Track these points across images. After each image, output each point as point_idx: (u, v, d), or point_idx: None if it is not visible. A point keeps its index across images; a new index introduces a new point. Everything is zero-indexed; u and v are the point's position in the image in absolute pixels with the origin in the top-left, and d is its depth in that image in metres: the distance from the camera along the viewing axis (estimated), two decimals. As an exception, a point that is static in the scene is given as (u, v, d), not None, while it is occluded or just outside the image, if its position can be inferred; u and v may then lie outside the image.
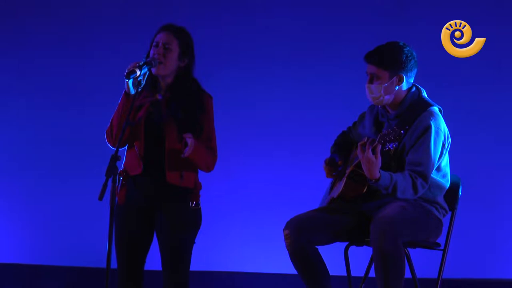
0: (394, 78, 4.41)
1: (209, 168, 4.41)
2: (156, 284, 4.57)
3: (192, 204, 4.36)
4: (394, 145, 4.18)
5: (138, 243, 4.37)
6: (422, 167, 4.30)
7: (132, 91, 4.27)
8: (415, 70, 4.47)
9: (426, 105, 4.44)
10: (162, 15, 6.09)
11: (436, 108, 4.45)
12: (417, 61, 4.48)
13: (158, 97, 4.40)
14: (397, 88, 4.43)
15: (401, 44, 4.45)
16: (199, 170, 4.43)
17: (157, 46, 4.39)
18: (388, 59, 4.39)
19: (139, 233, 4.37)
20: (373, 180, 4.22)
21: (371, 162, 4.19)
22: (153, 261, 4.47)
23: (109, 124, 4.40)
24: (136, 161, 4.34)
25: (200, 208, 4.38)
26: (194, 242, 4.37)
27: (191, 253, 4.36)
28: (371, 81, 4.41)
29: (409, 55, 4.42)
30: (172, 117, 4.32)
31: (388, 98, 4.42)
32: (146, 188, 4.35)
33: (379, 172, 4.21)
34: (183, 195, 4.35)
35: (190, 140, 4.22)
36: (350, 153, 4.67)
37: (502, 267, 5.96)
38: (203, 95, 4.43)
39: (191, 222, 4.37)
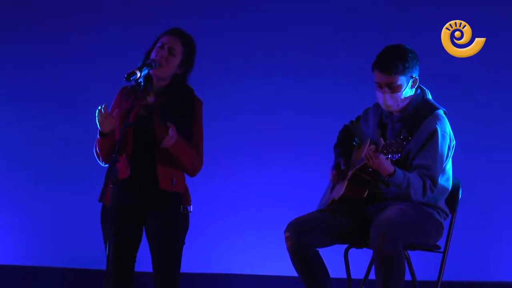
0: (410, 82, 4.41)
1: (195, 171, 4.38)
2: (148, 285, 4.57)
3: (182, 208, 4.36)
4: (397, 157, 4.16)
5: (127, 244, 4.36)
6: (431, 172, 4.30)
7: (106, 130, 4.24)
8: (419, 67, 4.47)
9: (431, 108, 4.43)
10: (160, 18, 6.09)
11: (441, 111, 4.44)
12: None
13: (150, 100, 4.39)
14: (412, 91, 4.42)
15: (404, 46, 4.43)
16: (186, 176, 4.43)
17: (162, 47, 4.36)
18: (402, 65, 4.34)
19: (128, 234, 4.36)
20: (388, 176, 4.22)
21: (380, 164, 4.20)
22: (145, 262, 4.48)
23: (94, 148, 4.40)
24: (123, 165, 4.31)
25: (189, 212, 4.38)
26: (184, 243, 4.37)
27: (181, 254, 4.36)
28: (392, 90, 4.36)
29: (413, 55, 4.40)
30: (164, 122, 4.29)
31: (405, 103, 4.42)
32: (135, 191, 4.32)
33: (393, 165, 4.21)
34: (173, 199, 4.34)
35: (172, 132, 4.19)
36: (352, 150, 4.67)
37: (501, 269, 5.96)
38: (195, 100, 4.42)
39: (181, 225, 4.36)
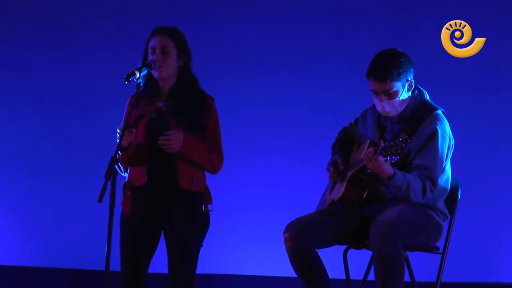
0: (406, 86, 4.40)
1: (215, 168, 4.39)
2: (160, 287, 4.56)
3: (204, 208, 4.35)
4: (396, 159, 4.15)
5: (145, 249, 4.35)
6: (431, 172, 4.31)
7: (125, 145, 4.20)
8: (413, 69, 4.46)
9: (430, 109, 4.43)
10: (160, 18, 6.06)
11: (439, 112, 4.44)
12: (416, 61, 4.46)
13: (160, 105, 4.37)
14: (409, 93, 4.42)
15: (396, 50, 4.41)
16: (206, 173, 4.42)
17: (154, 52, 4.34)
18: (396, 71, 4.33)
19: (147, 241, 4.35)
20: (387, 179, 4.22)
21: (380, 166, 4.19)
22: (157, 263, 4.47)
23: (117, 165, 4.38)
24: (140, 171, 4.30)
25: (209, 211, 4.38)
26: (202, 245, 4.37)
27: (198, 256, 4.35)
28: (389, 97, 4.35)
29: (406, 59, 4.39)
30: (179, 123, 4.29)
31: (403, 107, 4.42)
32: (155, 195, 4.31)
33: (392, 168, 4.21)
34: (195, 199, 4.34)
35: (174, 135, 4.20)
36: (351, 151, 4.66)
37: (500, 270, 5.96)
38: (207, 98, 4.41)
39: (201, 225, 4.36)
